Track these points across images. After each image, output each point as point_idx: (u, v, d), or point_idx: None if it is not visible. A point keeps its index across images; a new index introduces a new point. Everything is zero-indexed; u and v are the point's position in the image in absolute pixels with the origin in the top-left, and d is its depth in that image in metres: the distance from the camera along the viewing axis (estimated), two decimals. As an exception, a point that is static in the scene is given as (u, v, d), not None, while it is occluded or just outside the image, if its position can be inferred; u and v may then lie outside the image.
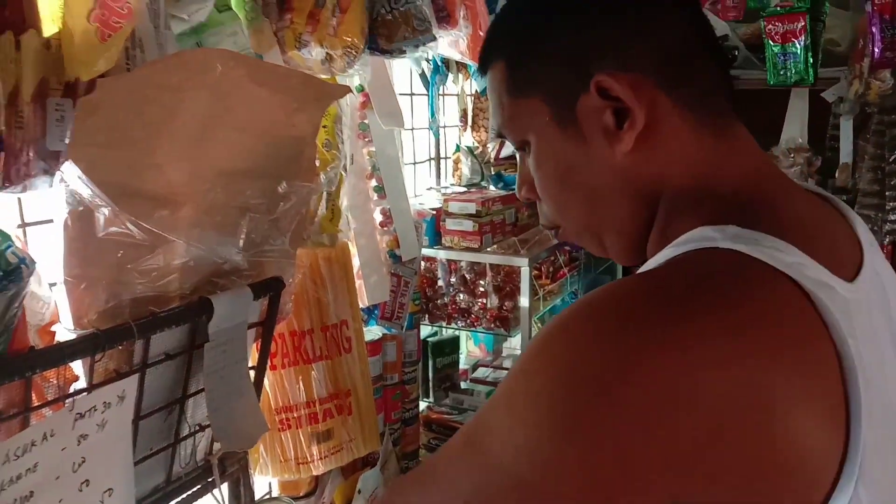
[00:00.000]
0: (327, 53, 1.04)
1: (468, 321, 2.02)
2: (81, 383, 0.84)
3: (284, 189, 0.91)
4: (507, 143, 2.24)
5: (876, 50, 1.81)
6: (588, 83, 0.62)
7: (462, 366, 2.27)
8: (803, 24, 1.99)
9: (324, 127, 1.12)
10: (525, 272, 1.87)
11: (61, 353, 0.75)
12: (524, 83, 0.67)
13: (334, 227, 1.17)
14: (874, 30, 1.80)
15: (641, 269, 0.58)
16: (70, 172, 0.70)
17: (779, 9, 2.05)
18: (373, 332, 1.63)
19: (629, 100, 0.61)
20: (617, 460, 0.47)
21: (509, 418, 0.52)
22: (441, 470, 0.58)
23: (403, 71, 1.91)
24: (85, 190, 0.71)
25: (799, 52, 2.03)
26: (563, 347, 0.51)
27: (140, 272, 0.78)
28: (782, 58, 2.06)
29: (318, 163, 1.07)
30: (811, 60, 2.04)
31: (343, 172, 1.19)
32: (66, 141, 0.76)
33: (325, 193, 1.11)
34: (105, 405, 0.82)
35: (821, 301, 0.51)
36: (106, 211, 0.72)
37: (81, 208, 0.74)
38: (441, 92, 2.00)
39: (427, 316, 2.07)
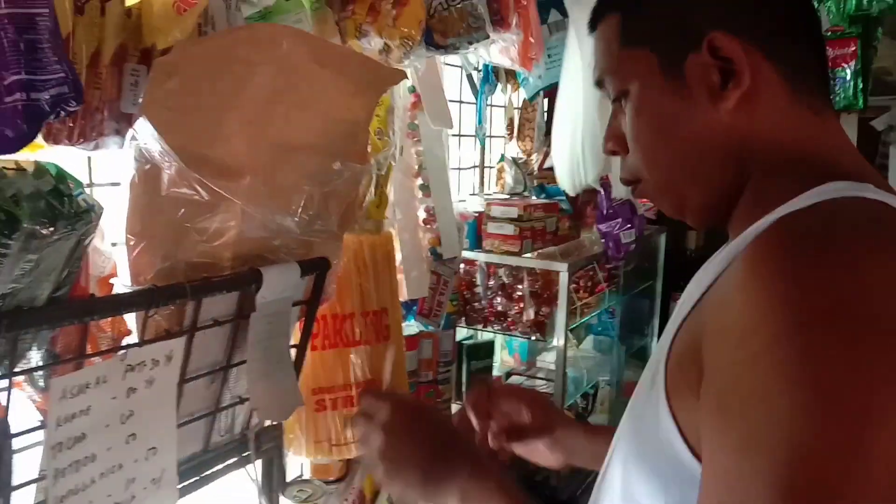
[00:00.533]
0: (385, 44, 1.08)
1: (504, 325, 2.03)
2: (133, 339, 0.87)
3: (338, 167, 0.95)
4: (551, 155, 2.27)
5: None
6: (700, 41, 0.65)
7: (495, 373, 2.28)
8: (854, 49, 1.99)
9: (377, 115, 1.15)
10: (563, 278, 1.88)
11: (118, 303, 0.79)
12: (637, 34, 0.70)
13: (381, 213, 1.20)
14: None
15: (775, 215, 0.59)
16: (142, 130, 0.75)
17: (829, 33, 2.04)
18: (410, 327, 1.65)
19: (739, 61, 0.64)
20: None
21: (777, 396, 0.50)
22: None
23: (453, 78, 1.96)
24: (155, 147, 0.75)
25: (848, 77, 2.02)
26: (787, 303, 0.50)
27: (198, 230, 0.81)
28: (831, 82, 2.05)
29: (369, 148, 1.10)
30: (861, 86, 2.03)
31: (392, 161, 1.22)
32: (139, 104, 0.81)
33: (374, 179, 1.15)
34: (154, 362, 0.85)
35: None
36: (173, 169, 0.76)
37: (149, 166, 0.78)
38: (489, 102, 2.04)
39: (464, 318, 2.09)
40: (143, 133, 0.75)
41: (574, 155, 1.90)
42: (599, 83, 0.76)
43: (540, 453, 1.02)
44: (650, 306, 2.95)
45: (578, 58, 1.81)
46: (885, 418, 0.48)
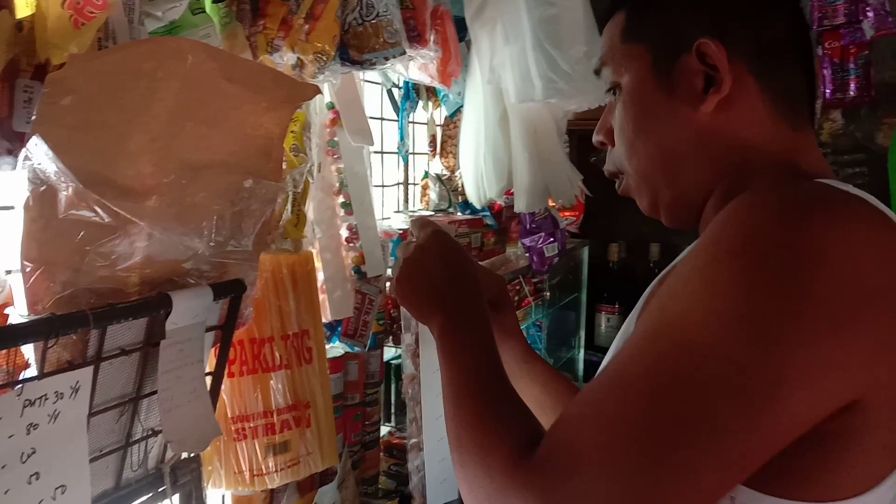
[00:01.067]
0: (298, 58, 1.06)
1: (431, 343, 2.02)
2: (33, 372, 0.82)
3: (250, 185, 0.92)
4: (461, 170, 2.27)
5: (827, 91, 1.90)
6: (690, 44, 0.70)
7: (424, 392, 2.25)
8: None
9: (292, 132, 1.13)
10: (489, 293, 1.88)
11: (13, 334, 0.74)
12: (637, 31, 0.75)
13: (299, 232, 1.17)
14: (825, 72, 1.89)
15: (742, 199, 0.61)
16: (35, 149, 0.70)
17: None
18: (335, 349, 1.62)
19: (723, 69, 0.69)
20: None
21: (706, 296, 0.54)
22: (629, 370, 0.56)
23: (374, 95, 1.94)
24: (50, 167, 0.70)
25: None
26: (747, 236, 0.55)
27: (100, 254, 0.77)
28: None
29: (284, 165, 1.07)
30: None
31: (309, 178, 1.20)
32: (32, 122, 0.76)
33: (290, 197, 1.12)
34: (57, 395, 0.80)
35: None
36: (70, 190, 0.72)
37: (44, 188, 0.73)
38: (411, 119, 2.03)
39: (391, 337, 2.06)
40: (37, 153, 0.71)
41: (478, 169, 1.92)
42: (598, 71, 0.81)
43: None
44: (576, 318, 3.00)
45: (479, 75, 1.83)
46: (794, 379, 0.51)
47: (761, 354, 0.51)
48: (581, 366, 3.00)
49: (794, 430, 0.53)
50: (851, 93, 1.88)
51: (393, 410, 2.07)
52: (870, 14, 1.81)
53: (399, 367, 2.08)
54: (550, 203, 2.12)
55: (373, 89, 1.92)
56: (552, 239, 2.07)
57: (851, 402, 0.53)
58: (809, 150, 0.72)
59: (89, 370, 0.85)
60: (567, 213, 2.43)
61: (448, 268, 0.83)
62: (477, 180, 1.94)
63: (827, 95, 1.88)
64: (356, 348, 1.64)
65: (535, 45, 1.66)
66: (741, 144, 0.70)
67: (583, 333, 3.01)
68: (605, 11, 0.82)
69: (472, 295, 0.81)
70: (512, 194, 2.00)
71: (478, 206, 2.02)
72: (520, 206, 1.95)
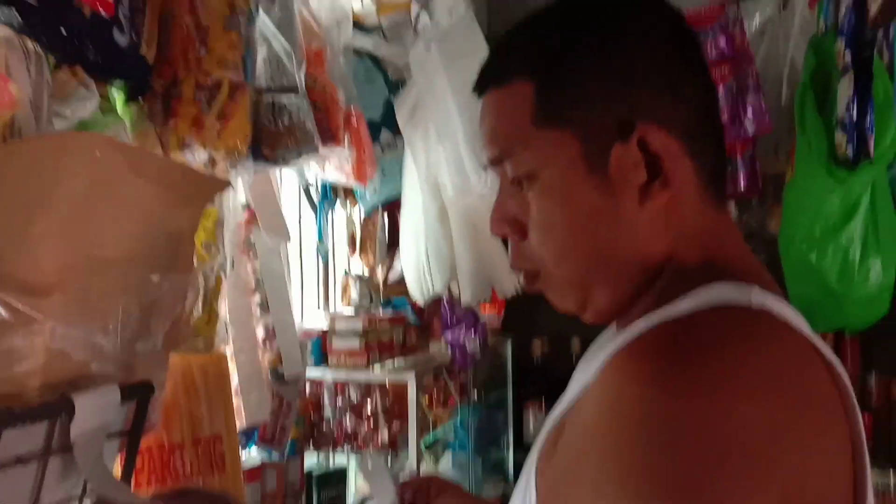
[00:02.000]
0: (210, 156, 1.07)
1: (355, 445, 1.96)
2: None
3: (158, 280, 0.90)
4: (395, 268, 2.30)
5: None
6: (628, 132, 0.59)
7: (349, 502, 2.16)
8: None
9: (204, 228, 1.12)
10: (412, 388, 1.86)
11: None
12: (556, 115, 0.61)
13: (211, 329, 1.14)
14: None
15: (663, 321, 0.58)
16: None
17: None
18: (252, 458, 1.55)
19: (668, 158, 0.60)
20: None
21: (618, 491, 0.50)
22: None
23: (293, 192, 1.97)
24: (-61, 261, 0.67)
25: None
26: (644, 408, 0.51)
27: (-4, 353, 0.73)
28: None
29: (196, 261, 1.06)
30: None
31: (222, 274, 1.18)
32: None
33: (201, 294, 1.10)
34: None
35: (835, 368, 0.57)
36: (-39, 286, 0.69)
37: (-66, 284, 0.70)
38: (329, 218, 2.06)
39: (311, 442, 1.99)
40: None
41: (419, 264, 1.96)
42: (495, 161, 0.66)
43: None
44: (504, 416, 2.97)
45: (415, 172, 1.91)
46: None
47: None
48: (511, 466, 2.95)
49: None
50: (742, 185, 2.02)
51: (316, 522, 1.97)
52: (749, 113, 1.98)
53: (321, 477, 2.00)
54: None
55: (291, 186, 1.94)
56: (473, 332, 2.09)
57: None
58: (730, 232, 0.66)
59: None
60: (488, 310, 2.46)
61: None
62: (420, 275, 1.97)
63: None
64: (274, 455, 1.57)
65: (467, 140, 1.74)
66: (678, 236, 0.62)
67: (511, 432, 2.98)
68: (488, 75, 0.66)
69: None
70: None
71: (420, 302, 2.05)
72: (466, 297, 2.00)
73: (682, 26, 0.65)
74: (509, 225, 0.67)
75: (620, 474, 0.50)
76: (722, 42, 2.04)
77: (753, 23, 2.14)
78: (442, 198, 1.96)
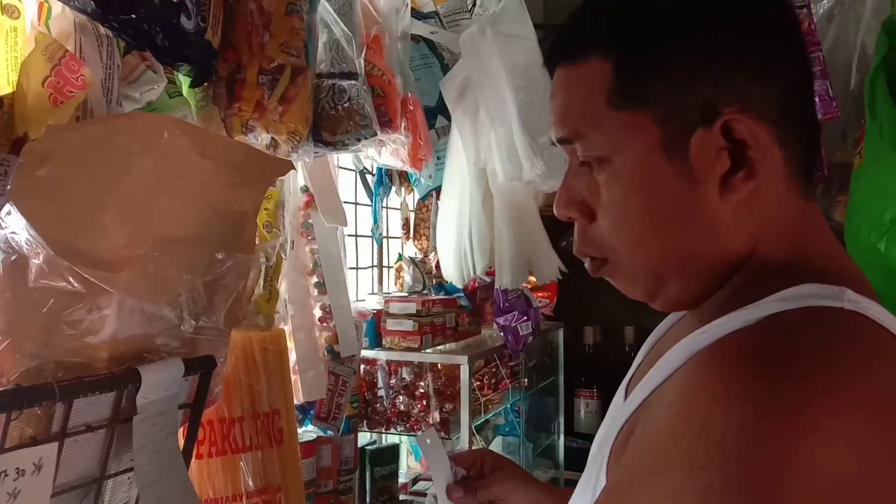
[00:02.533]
0: (272, 139, 1.10)
1: (408, 425, 1.99)
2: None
3: (222, 258, 0.93)
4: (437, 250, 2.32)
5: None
6: (712, 117, 0.56)
7: (401, 480, 2.20)
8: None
9: (265, 209, 1.15)
10: (465, 371, 1.88)
11: (-25, 405, 0.73)
12: (635, 95, 0.58)
13: (271, 307, 1.18)
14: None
15: (742, 326, 0.53)
16: (8, 218, 0.71)
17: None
18: (308, 433, 1.59)
19: (756, 147, 0.56)
20: None
21: None
22: None
23: (349, 181, 2.00)
24: (23, 236, 0.71)
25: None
26: (728, 429, 0.45)
27: (69, 324, 0.77)
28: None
29: (258, 241, 1.09)
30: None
31: (282, 254, 1.21)
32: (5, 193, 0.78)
33: (262, 272, 1.13)
34: (18, 472, 0.78)
35: None
36: (41, 258, 0.73)
37: (15, 257, 0.74)
38: (384, 203, 2.08)
39: (366, 422, 2.03)
40: (10, 221, 0.72)
41: (461, 247, 1.96)
42: (564, 140, 0.63)
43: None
44: (555, 403, 2.97)
45: (461, 155, 1.91)
46: None
47: None
48: (561, 452, 2.96)
49: None
50: (807, 173, 1.96)
51: (368, 500, 2.01)
52: (815, 99, 1.91)
53: (375, 453, 2.04)
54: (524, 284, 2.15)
55: (347, 175, 1.97)
56: (525, 318, 2.09)
57: None
58: (817, 222, 0.61)
59: (53, 447, 0.83)
60: (540, 295, 2.46)
61: None
62: (460, 259, 1.97)
63: (784, 176, 1.96)
64: (329, 432, 1.61)
65: (521, 127, 1.74)
66: (765, 237, 0.58)
67: (562, 419, 2.98)
68: (562, 49, 0.62)
69: None
70: (493, 274, 2.04)
71: (459, 285, 2.05)
72: (504, 281, 2.00)
73: (780, 4, 0.59)
74: (577, 208, 0.64)
75: (693, 495, 0.45)
76: (788, 26, 1.98)
77: (821, 6, 2.06)
78: (487, 182, 1.95)
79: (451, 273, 2.00)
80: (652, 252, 0.61)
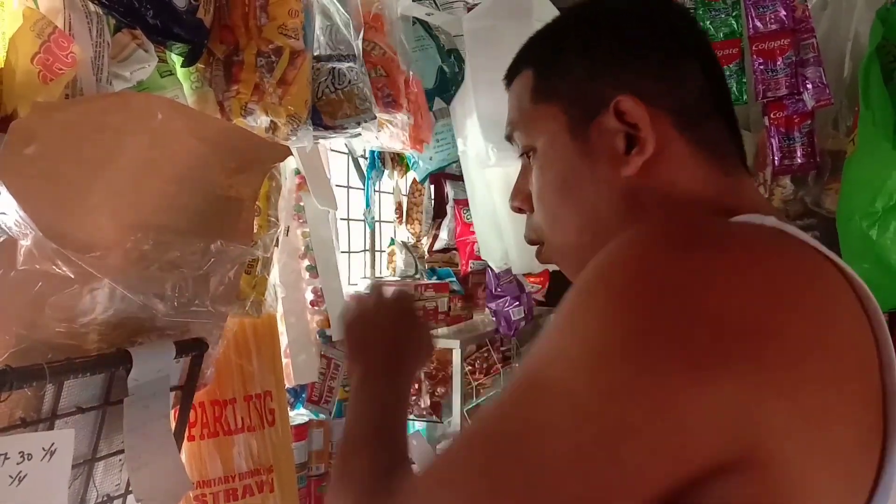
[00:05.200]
0: (272, 121, 1.08)
1: (398, 410, 1.99)
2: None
3: (218, 248, 0.92)
4: (440, 237, 2.31)
5: (775, 159, 1.98)
6: (608, 104, 0.65)
7: (392, 464, 2.20)
8: (737, 49, 2.08)
9: (261, 195, 1.14)
10: (456, 356, 1.88)
11: (-36, 386, 0.72)
12: (548, 91, 0.70)
13: (260, 292, 1.17)
14: (773, 141, 1.98)
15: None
16: (-5, 198, 0.70)
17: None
18: (300, 415, 1.59)
19: (644, 127, 0.64)
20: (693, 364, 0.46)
21: (575, 342, 0.50)
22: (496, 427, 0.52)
23: (341, 165, 1.98)
24: (11, 216, 0.70)
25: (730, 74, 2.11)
26: (620, 275, 0.50)
27: (58, 307, 0.76)
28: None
29: (256, 228, 1.08)
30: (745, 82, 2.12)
31: (278, 241, 1.20)
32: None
33: (259, 261, 1.12)
34: (23, 456, 0.76)
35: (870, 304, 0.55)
36: (29, 240, 0.72)
37: (2, 238, 0.73)
38: (377, 187, 2.07)
39: (357, 406, 2.03)
40: (0, 202, 0.71)
41: (496, 229, 1.94)
42: (509, 137, 0.75)
43: None
44: (545, 388, 2.98)
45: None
46: (640, 429, 0.45)
47: (605, 400, 0.46)
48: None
49: (649, 495, 0.45)
50: (798, 160, 1.96)
51: (359, 482, 2.02)
52: (809, 86, 1.92)
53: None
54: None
55: (340, 158, 1.96)
56: (518, 303, 2.09)
57: (734, 461, 0.45)
58: (746, 191, 0.67)
59: (71, 432, 0.81)
60: (533, 280, 2.46)
61: (392, 334, 0.88)
62: (498, 239, 1.95)
63: (776, 163, 1.96)
64: (321, 415, 1.61)
65: (477, 113, 1.72)
66: (668, 202, 0.65)
67: (552, 403, 2.98)
68: (509, 69, 0.76)
69: (398, 363, 0.86)
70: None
71: (495, 267, 2.03)
72: (515, 267, 2.00)
73: (678, 21, 0.71)
74: (521, 199, 0.75)
75: (585, 316, 0.50)
76: (782, 13, 1.97)
77: (815, -6, 2.06)
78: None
79: (491, 254, 1.99)
80: (570, 227, 0.70)
